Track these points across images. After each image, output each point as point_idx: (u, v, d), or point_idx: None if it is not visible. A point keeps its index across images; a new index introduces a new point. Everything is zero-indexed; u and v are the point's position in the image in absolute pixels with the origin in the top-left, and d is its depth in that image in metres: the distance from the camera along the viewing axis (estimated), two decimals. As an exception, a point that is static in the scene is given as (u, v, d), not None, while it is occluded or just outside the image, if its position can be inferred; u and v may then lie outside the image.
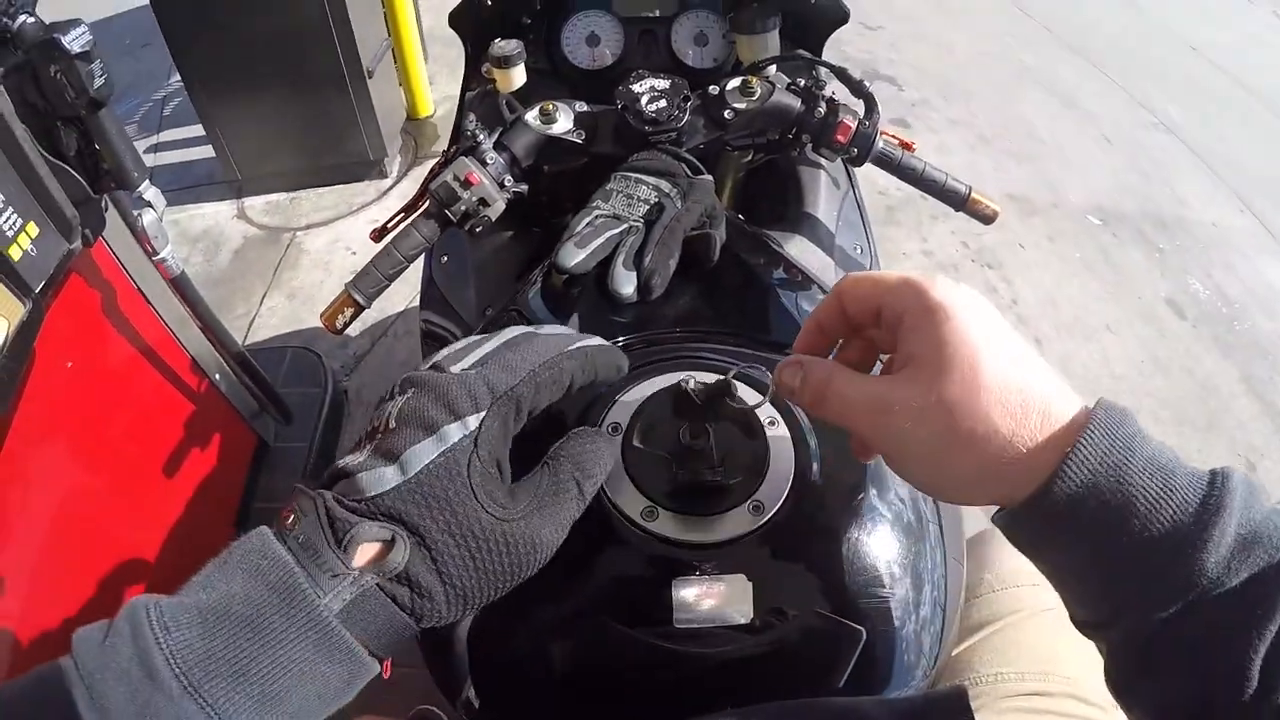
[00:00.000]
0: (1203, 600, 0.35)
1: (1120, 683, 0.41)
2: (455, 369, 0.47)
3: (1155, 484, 0.37)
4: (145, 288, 1.53)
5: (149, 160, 3.77)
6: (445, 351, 0.50)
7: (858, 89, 0.97)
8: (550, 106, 0.91)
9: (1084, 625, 0.43)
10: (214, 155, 3.29)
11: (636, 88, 0.91)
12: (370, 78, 3.05)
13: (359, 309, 0.87)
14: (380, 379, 2.38)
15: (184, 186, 3.55)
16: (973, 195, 1.00)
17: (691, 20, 1.14)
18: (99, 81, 1.12)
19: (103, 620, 0.40)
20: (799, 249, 1.07)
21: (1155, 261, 3.66)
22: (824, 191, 1.17)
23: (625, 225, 0.80)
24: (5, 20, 1.03)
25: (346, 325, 0.87)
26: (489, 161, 0.87)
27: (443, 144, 3.63)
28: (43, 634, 1.24)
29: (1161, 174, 4.52)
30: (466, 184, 0.85)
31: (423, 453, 0.43)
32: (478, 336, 0.51)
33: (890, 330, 0.46)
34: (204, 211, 3.38)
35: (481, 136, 0.88)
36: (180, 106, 4.06)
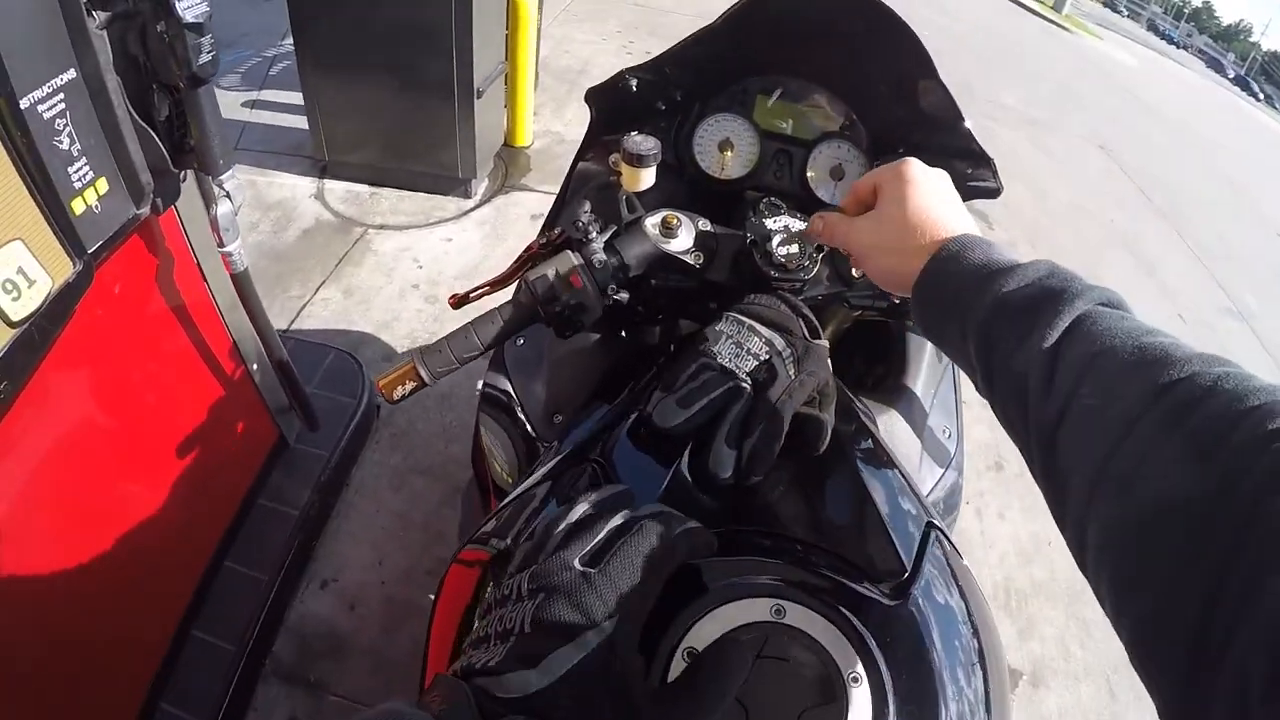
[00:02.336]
0: (1003, 309, 0.53)
1: (984, 391, 0.57)
2: (576, 563, 0.50)
3: (981, 257, 0.58)
4: (205, 266, 1.48)
5: (244, 116, 3.81)
6: (555, 532, 0.53)
7: None
8: (674, 220, 0.83)
9: (973, 380, 0.59)
10: (307, 128, 3.28)
11: (770, 224, 0.83)
12: (479, 97, 3.04)
13: (421, 385, 0.78)
14: (418, 405, 2.31)
15: (271, 151, 3.55)
16: None
17: (831, 150, 1.05)
18: (205, 58, 1.06)
19: None
20: (890, 426, 1.00)
21: None
22: (926, 366, 1.09)
23: (731, 384, 0.72)
24: None
25: (405, 398, 0.78)
26: (597, 265, 0.79)
27: (533, 178, 3.63)
28: (29, 572, 1.20)
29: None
30: (569, 285, 0.77)
31: (564, 658, 0.45)
32: (582, 510, 0.55)
33: (878, 194, 0.68)
34: (284, 182, 3.37)
35: (594, 233, 0.80)
36: (287, 70, 4.11)
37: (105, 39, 0.98)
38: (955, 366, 1.11)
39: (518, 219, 3.34)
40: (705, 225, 0.85)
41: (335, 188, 3.37)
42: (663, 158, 0.84)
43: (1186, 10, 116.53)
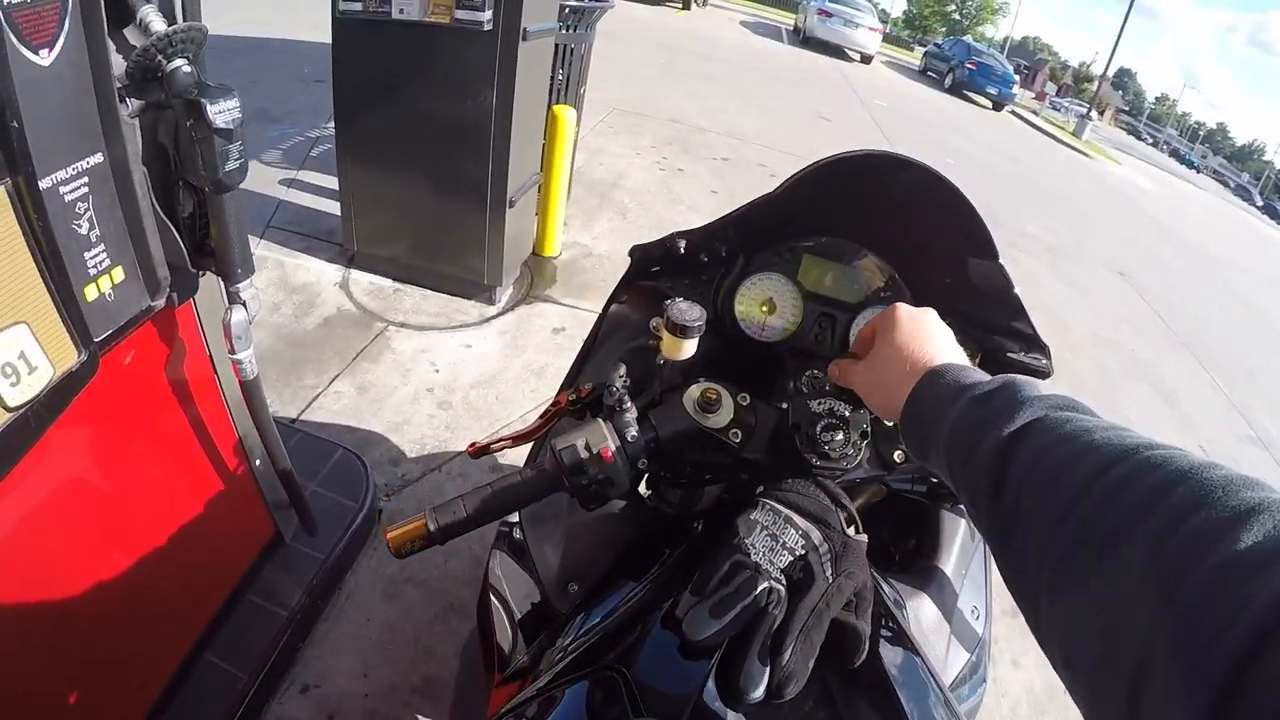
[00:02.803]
0: (963, 420, 0.58)
1: (961, 499, 0.58)
2: None
3: (954, 380, 0.63)
4: (217, 361, 1.47)
5: (280, 194, 3.88)
6: None
7: None
8: (714, 394, 0.80)
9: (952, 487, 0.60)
10: (339, 215, 3.33)
11: (815, 406, 0.80)
12: (511, 207, 3.08)
13: (431, 543, 0.74)
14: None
15: (302, 233, 3.60)
16: None
17: (875, 314, 0.98)
18: (232, 164, 1.06)
19: None
20: (919, 611, 0.94)
21: None
22: (959, 546, 1.03)
23: (765, 585, 0.67)
24: (160, 58, 0.96)
25: (412, 554, 0.74)
26: (629, 438, 0.75)
27: (558, 290, 3.65)
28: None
29: None
30: (600, 459, 0.73)
31: None
32: None
33: (875, 336, 0.75)
34: (311, 266, 3.41)
35: (628, 402, 0.77)
36: (328, 153, 4.20)
37: (136, 128, 0.98)
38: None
39: (539, 330, 3.34)
40: (745, 400, 0.82)
41: (360, 279, 3.39)
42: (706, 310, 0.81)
43: (1202, 132, 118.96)
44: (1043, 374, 0.91)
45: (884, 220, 0.95)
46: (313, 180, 4.07)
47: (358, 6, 2.72)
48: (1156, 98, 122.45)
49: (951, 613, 0.98)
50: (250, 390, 1.51)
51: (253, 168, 3.92)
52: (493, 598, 1.05)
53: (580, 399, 0.82)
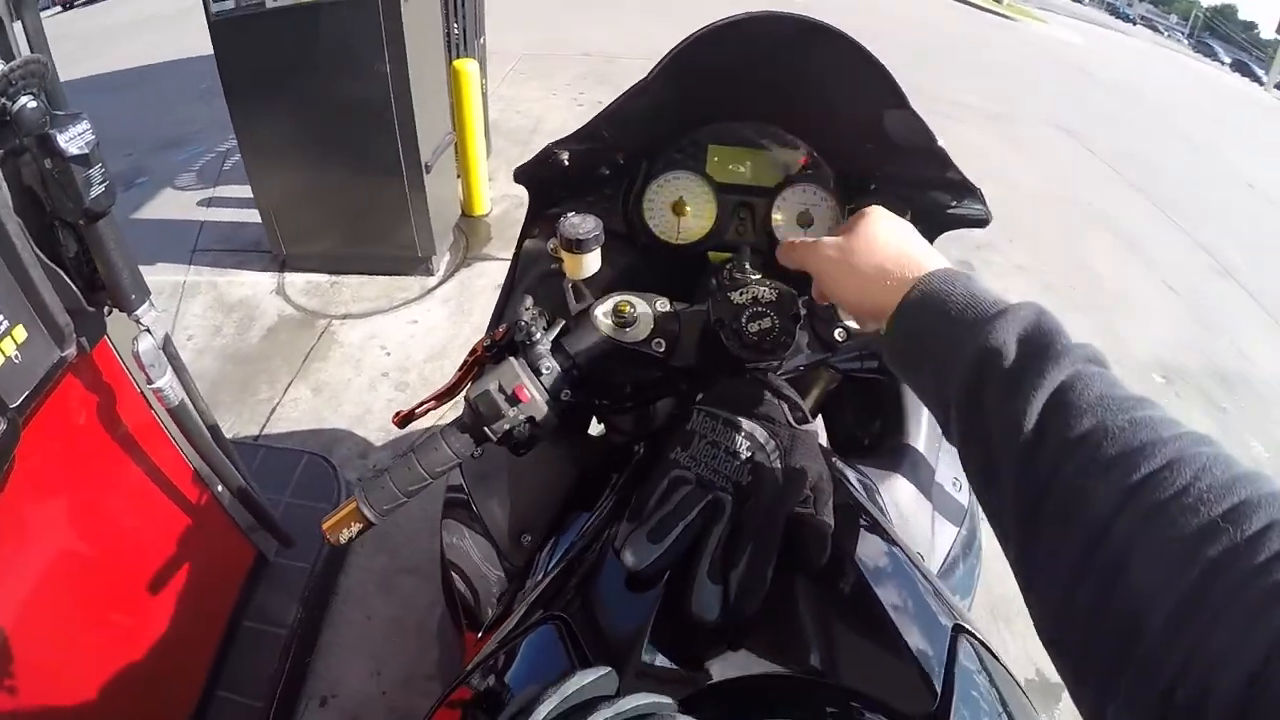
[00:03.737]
0: (988, 368, 0.50)
1: (955, 442, 0.54)
2: None
3: (964, 296, 0.54)
4: (151, 396, 1.41)
5: (201, 215, 3.77)
6: None
7: None
8: (627, 306, 0.74)
9: (943, 425, 0.55)
10: (262, 223, 3.24)
11: (736, 298, 0.75)
12: (428, 172, 2.99)
13: (368, 525, 0.71)
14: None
15: (229, 249, 3.52)
16: None
17: (796, 195, 0.95)
18: (96, 190, 1.00)
19: None
20: (895, 494, 0.91)
21: (1218, 421, 3.50)
22: (926, 420, 1.00)
23: (710, 497, 0.63)
24: (4, 101, 0.91)
25: (351, 540, 0.71)
26: (544, 370, 0.71)
27: (496, 246, 3.59)
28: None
29: (1224, 323, 4.45)
30: (514, 399, 0.69)
31: None
32: (550, 709, 0.45)
33: (847, 229, 0.65)
34: (244, 280, 3.33)
35: (538, 334, 0.72)
36: (241, 164, 4.08)
37: (0, 179, 0.93)
38: None
39: (483, 290, 3.29)
40: (664, 306, 0.77)
41: (296, 280, 3.32)
42: (615, 227, 0.76)
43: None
44: (982, 220, 0.87)
45: (785, 92, 0.89)
46: (231, 194, 3.96)
47: (230, 5, 2.58)
48: None
49: (930, 488, 0.95)
50: (180, 417, 1.45)
51: (169, 194, 3.79)
52: (452, 572, 1.01)
53: (495, 342, 0.76)
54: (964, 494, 0.97)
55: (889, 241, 0.62)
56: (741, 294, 0.75)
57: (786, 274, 0.73)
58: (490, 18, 3.94)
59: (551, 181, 0.94)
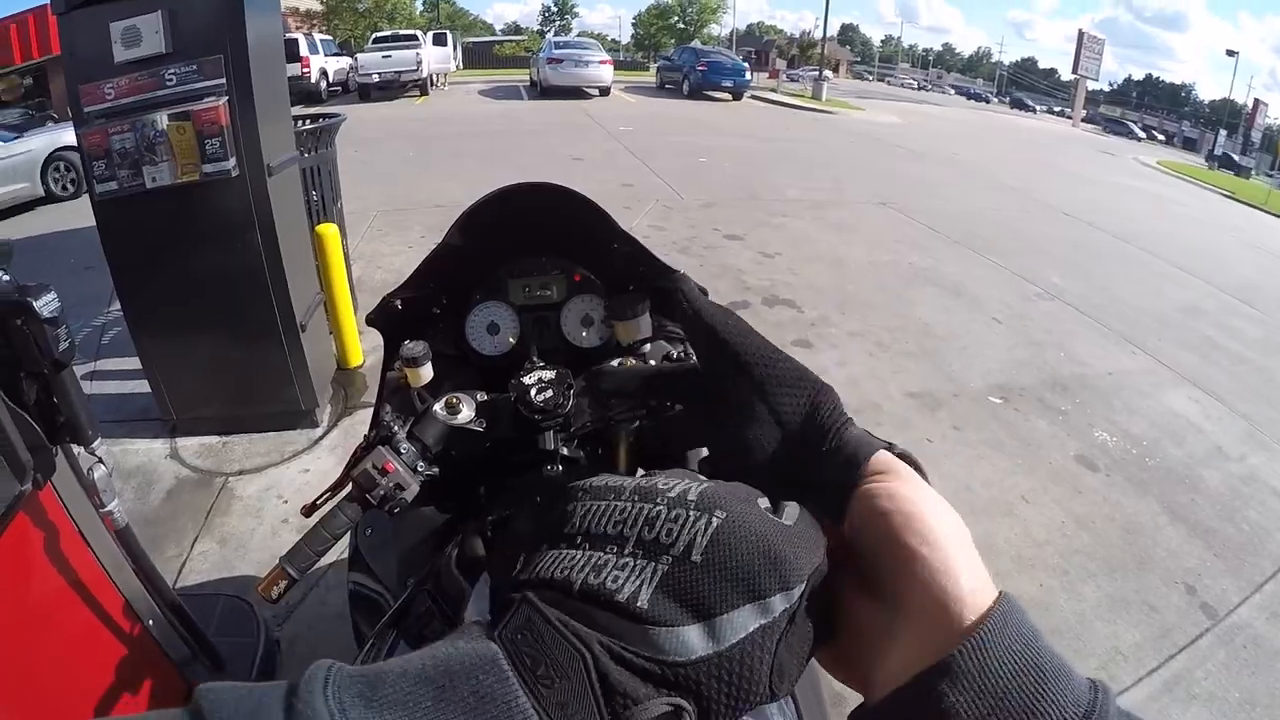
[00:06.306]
0: None
1: None
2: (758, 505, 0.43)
3: (1040, 681, 0.36)
4: (85, 530, 1.55)
5: (86, 388, 3.79)
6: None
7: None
8: (454, 400, 1.02)
9: None
10: (149, 391, 3.36)
11: (526, 380, 1.02)
12: (304, 331, 3.23)
13: (293, 581, 0.94)
14: (312, 630, 2.39)
15: (119, 419, 3.60)
16: None
17: (577, 305, 1.26)
18: (64, 345, 1.24)
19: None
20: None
21: (1060, 424, 3.90)
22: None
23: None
24: None
25: (282, 596, 0.93)
26: (403, 451, 0.98)
27: (371, 394, 3.80)
28: None
29: (1053, 339, 4.94)
30: (384, 472, 0.95)
31: (741, 623, 0.38)
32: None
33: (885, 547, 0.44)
34: (137, 447, 3.42)
35: (396, 427, 1.00)
36: (119, 336, 4.18)
37: None
38: None
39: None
40: (482, 396, 1.05)
41: (189, 444, 3.43)
42: (448, 350, 1.05)
43: (931, 57, 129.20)
44: (701, 291, 1.22)
45: (552, 231, 1.24)
46: (113, 366, 4.06)
47: (114, 186, 2.83)
48: (882, 40, 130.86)
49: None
50: (126, 537, 1.63)
51: (52, 372, 3.74)
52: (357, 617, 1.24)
53: (368, 441, 1.04)
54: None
55: (943, 541, 0.44)
56: (530, 377, 1.03)
57: (574, 366, 1.05)
58: (345, 176, 4.25)
59: (394, 323, 1.24)
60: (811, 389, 0.53)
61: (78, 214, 4.47)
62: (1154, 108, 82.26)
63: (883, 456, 0.47)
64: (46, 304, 1.20)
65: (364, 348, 4.09)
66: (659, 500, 0.43)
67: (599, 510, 0.44)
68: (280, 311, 3.12)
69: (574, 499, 0.46)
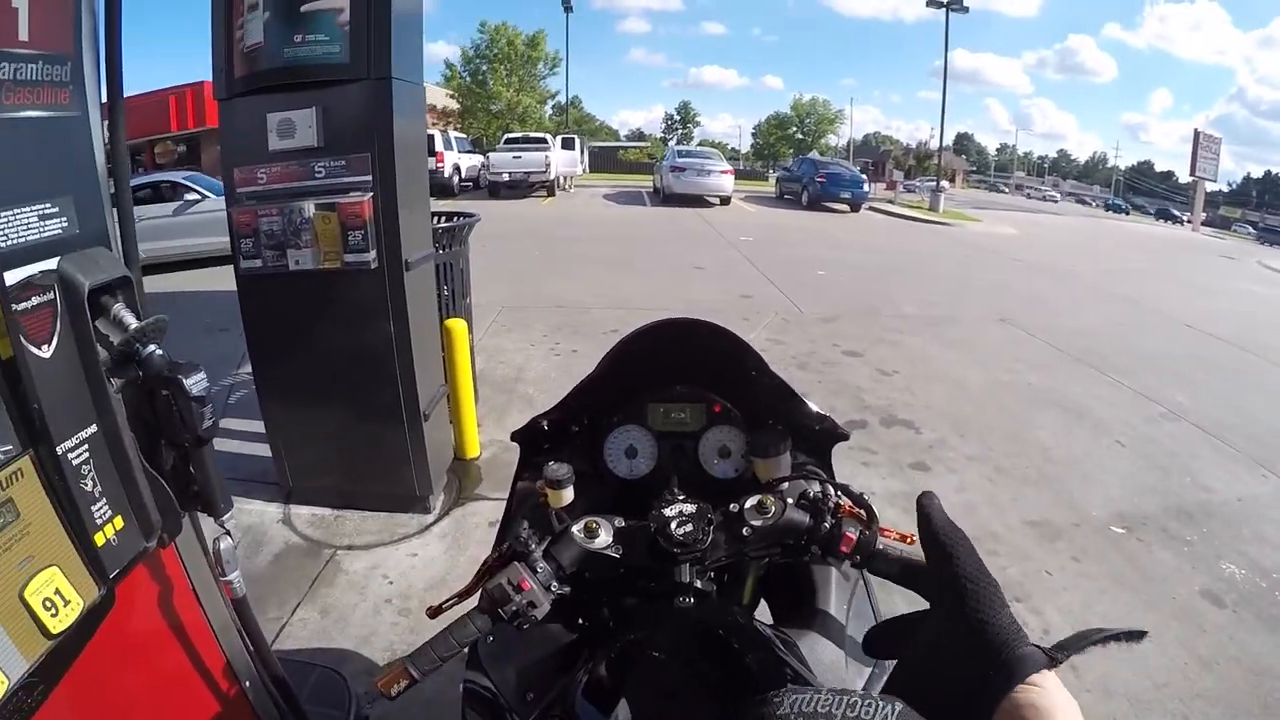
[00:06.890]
0: None
1: None
2: None
3: None
4: (200, 592, 1.63)
5: None
6: None
7: (858, 501, 1.03)
8: (594, 524, 1.02)
9: None
10: (269, 455, 3.51)
11: (668, 512, 1.02)
12: (426, 420, 3.34)
13: (413, 682, 0.95)
14: (404, 712, 2.38)
15: (236, 478, 3.76)
16: None
17: (716, 435, 1.29)
18: (208, 423, 1.32)
19: None
20: (812, 647, 1.14)
21: (1185, 556, 3.62)
22: (834, 588, 1.26)
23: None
24: (137, 345, 1.22)
25: (400, 694, 0.95)
26: (538, 569, 1.00)
27: (486, 486, 3.91)
28: None
29: (1179, 463, 4.62)
30: (519, 589, 0.97)
31: None
32: None
33: None
34: (251, 508, 3.56)
35: (533, 545, 1.02)
36: (244, 398, 4.44)
37: (120, 401, 1.21)
38: (867, 577, 1.29)
39: (476, 527, 3.51)
40: (620, 523, 1.06)
41: (301, 512, 3.55)
42: (584, 469, 1.10)
43: (1046, 164, 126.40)
44: (843, 435, 1.24)
45: (696, 362, 1.28)
46: (237, 426, 4.26)
47: (258, 264, 3.04)
48: (997, 149, 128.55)
49: (843, 639, 1.18)
50: (241, 607, 1.68)
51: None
52: None
53: (501, 554, 1.06)
54: None
55: None
56: (671, 509, 1.04)
57: (707, 495, 1.06)
58: (473, 270, 4.42)
59: (536, 439, 1.29)
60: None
61: (219, 277, 4.77)
62: (1275, 206, 77.34)
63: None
64: (196, 382, 1.27)
65: (482, 440, 4.17)
66: None
67: None
68: (405, 398, 3.23)
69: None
